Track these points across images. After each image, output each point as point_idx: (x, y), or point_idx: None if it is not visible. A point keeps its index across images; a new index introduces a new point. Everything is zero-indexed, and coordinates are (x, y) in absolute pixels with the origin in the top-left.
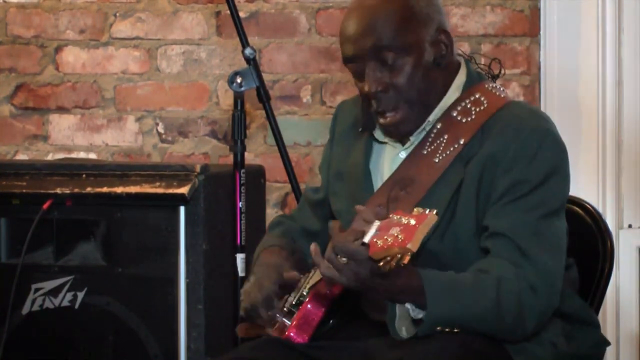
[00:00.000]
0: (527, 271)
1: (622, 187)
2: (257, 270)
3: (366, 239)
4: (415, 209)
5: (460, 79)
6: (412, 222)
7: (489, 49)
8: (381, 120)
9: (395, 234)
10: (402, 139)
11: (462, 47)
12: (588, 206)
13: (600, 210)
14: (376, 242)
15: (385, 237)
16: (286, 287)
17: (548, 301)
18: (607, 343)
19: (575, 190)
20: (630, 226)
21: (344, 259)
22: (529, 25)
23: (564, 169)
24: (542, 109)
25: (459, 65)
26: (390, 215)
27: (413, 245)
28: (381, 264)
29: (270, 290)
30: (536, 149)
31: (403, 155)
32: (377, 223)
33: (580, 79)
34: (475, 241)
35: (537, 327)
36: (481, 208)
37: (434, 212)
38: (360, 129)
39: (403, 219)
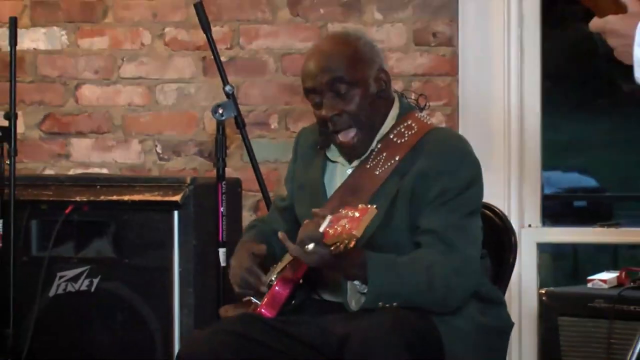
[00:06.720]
0: (453, 258)
1: (524, 194)
2: (236, 256)
3: (321, 229)
4: (360, 205)
5: (395, 110)
6: (357, 214)
7: (418, 85)
8: (337, 139)
9: (344, 224)
10: (350, 159)
11: (397, 84)
12: (497, 210)
13: (506, 212)
14: (329, 231)
15: (335, 227)
16: (261, 261)
17: (469, 282)
18: (512, 322)
19: (487, 197)
20: (529, 225)
21: (310, 246)
22: (450, 66)
23: (479, 180)
24: (460, 132)
25: (394, 100)
26: (340, 210)
27: (358, 232)
28: (332, 248)
29: (248, 264)
30: (458, 164)
31: (349, 171)
32: (329, 217)
33: (490, 108)
34: (409, 236)
35: (460, 302)
36: (414, 211)
37: (374, 206)
38: (318, 147)
39: (349, 213)
